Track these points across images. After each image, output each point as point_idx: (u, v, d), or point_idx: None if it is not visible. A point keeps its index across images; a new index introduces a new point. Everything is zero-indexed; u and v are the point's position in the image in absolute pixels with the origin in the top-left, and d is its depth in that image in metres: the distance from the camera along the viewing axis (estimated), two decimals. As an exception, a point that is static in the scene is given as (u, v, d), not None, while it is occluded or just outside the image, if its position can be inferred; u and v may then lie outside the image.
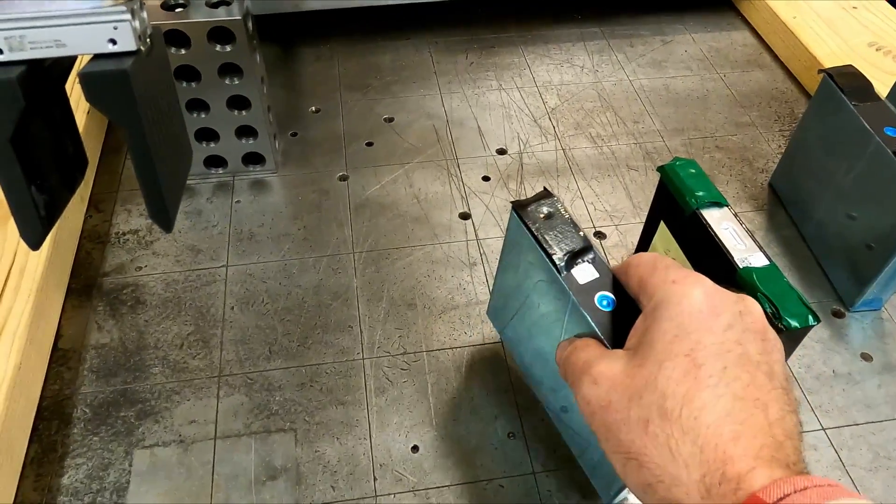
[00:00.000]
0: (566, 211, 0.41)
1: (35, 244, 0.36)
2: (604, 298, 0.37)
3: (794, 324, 0.44)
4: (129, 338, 0.54)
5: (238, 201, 0.64)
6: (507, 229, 0.44)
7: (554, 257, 0.39)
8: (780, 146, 0.71)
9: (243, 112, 0.61)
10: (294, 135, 0.71)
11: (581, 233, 0.40)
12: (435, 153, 0.69)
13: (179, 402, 0.50)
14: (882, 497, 0.47)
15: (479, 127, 0.71)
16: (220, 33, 0.56)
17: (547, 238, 0.40)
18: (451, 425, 0.49)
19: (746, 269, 0.46)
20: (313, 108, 0.74)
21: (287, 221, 0.63)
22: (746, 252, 0.48)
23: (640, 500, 0.30)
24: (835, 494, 0.25)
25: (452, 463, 0.47)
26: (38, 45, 0.31)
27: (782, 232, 0.63)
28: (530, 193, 0.65)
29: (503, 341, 0.54)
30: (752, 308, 0.33)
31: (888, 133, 0.53)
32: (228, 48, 0.56)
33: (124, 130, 0.33)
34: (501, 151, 0.69)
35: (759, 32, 0.85)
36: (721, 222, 0.50)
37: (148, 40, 0.34)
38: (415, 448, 0.48)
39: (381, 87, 0.76)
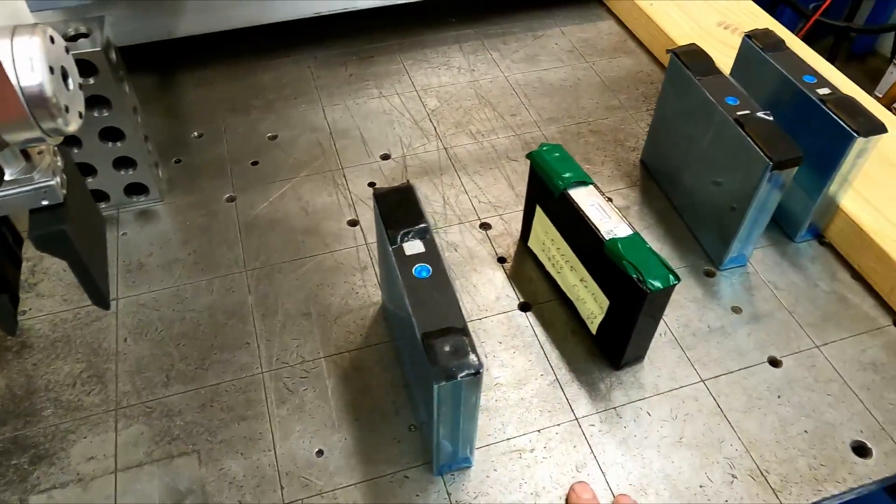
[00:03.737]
0: (417, 197, 0.48)
1: (12, 333, 0.43)
2: (423, 269, 0.43)
3: (658, 284, 0.47)
4: (17, 384, 0.52)
5: (124, 233, 0.64)
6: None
7: (388, 231, 0.45)
8: (647, 125, 0.75)
9: (118, 143, 0.61)
10: (178, 161, 0.71)
11: (423, 216, 0.47)
12: (321, 165, 0.70)
13: (75, 441, 0.49)
14: (756, 433, 0.50)
15: (362, 135, 0.73)
16: (81, 66, 0.55)
17: (390, 219, 0.46)
18: (354, 425, 0.50)
19: (612, 240, 0.50)
20: (196, 134, 0.74)
21: (177, 248, 0.63)
22: (612, 224, 0.51)
23: None
24: None
25: (357, 461, 0.49)
26: None
27: (655, 204, 0.67)
28: (416, 193, 0.67)
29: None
30: None
31: (729, 102, 0.57)
32: (92, 80, 0.56)
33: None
34: (385, 157, 0.71)
35: (623, 21, 0.90)
36: (587, 199, 0.53)
37: (64, 175, 0.39)
38: (319, 452, 0.49)
39: (264, 106, 0.77)
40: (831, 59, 2.10)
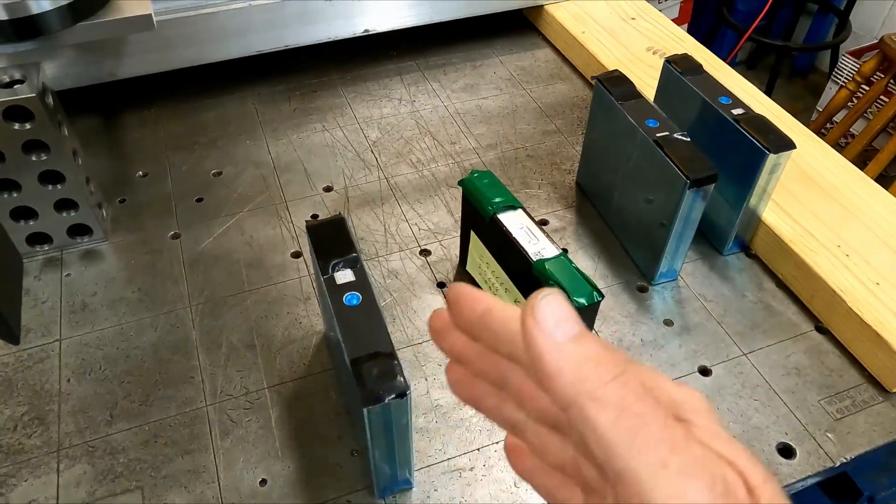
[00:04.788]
0: (347, 229, 0.49)
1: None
2: (353, 297, 0.45)
3: (582, 301, 0.49)
4: (-43, 429, 0.52)
5: (68, 274, 0.64)
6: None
7: (320, 262, 0.47)
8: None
9: (58, 186, 0.62)
10: (122, 201, 0.71)
11: (354, 246, 0.48)
12: (264, 200, 0.71)
13: (16, 486, 0.49)
14: (687, 442, 0.52)
15: (305, 169, 0.75)
16: (17, 112, 0.56)
17: (322, 250, 0.48)
18: (297, 453, 0.51)
19: (539, 261, 0.52)
20: (141, 173, 0.75)
21: (121, 286, 0.63)
22: (539, 246, 0.53)
23: None
24: None
25: (300, 489, 0.49)
26: None
27: (590, 224, 0.70)
28: (357, 224, 0.68)
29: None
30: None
31: (649, 125, 0.60)
32: (28, 126, 0.57)
33: None
34: (328, 189, 0.72)
35: (558, 48, 0.93)
36: (516, 223, 0.55)
37: None
38: (263, 482, 0.50)
39: (208, 143, 0.78)
40: (774, 76, 2.18)
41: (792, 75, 2.55)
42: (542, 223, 0.69)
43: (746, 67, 2.56)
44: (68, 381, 0.56)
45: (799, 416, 0.54)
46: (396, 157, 0.76)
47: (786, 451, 0.52)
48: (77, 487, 0.49)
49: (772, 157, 0.58)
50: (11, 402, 0.54)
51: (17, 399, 0.55)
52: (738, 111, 0.62)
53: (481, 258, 0.60)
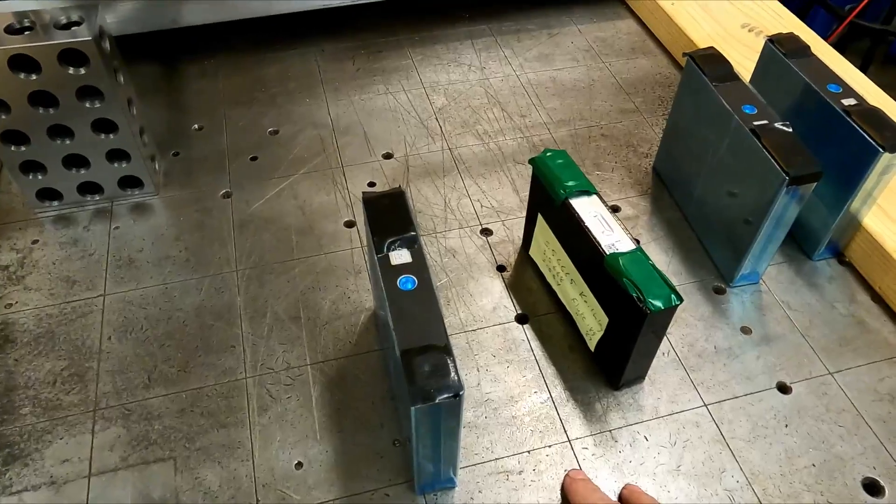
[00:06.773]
0: (407, 204, 0.45)
1: None
2: (408, 280, 0.41)
3: (659, 304, 0.44)
4: (-3, 379, 0.51)
5: (117, 227, 0.62)
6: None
7: (375, 239, 0.43)
8: (662, 130, 0.72)
9: (111, 136, 0.59)
10: (176, 154, 0.69)
11: (412, 224, 0.44)
12: (321, 163, 0.68)
13: (51, 442, 0.48)
14: (760, 465, 0.47)
15: (365, 133, 0.71)
16: (73, 55, 0.54)
17: (378, 226, 0.44)
18: (336, 437, 0.48)
19: (613, 254, 0.47)
20: (196, 126, 0.72)
21: (168, 244, 0.61)
22: (614, 237, 0.49)
23: None
24: None
25: (337, 476, 0.47)
26: None
27: (666, 214, 0.64)
28: (416, 196, 0.64)
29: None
30: None
31: (746, 111, 0.54)
32: (83, 70, 0.54)
33: None
34: (388, 156, 0.69)
35: (643, 20, 0.87)
36: (589, 210, 0.50)
37: None
38: (299, 464, 0.47)
39: (267, 99, 0.75)
40: (866, 63, 2.03)
41: (886, 62, 2.38)
42: (613, 209, 0.64)
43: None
44: (109, 338, 0.54)
45: (890, 449, 0.48)
46: (462, 127, 0.72)
47: (872, 488, 0.47)
48: (111, 451, 0.48)
49: (886, 157, 0.52)
50: (52, 355, 0.53)
51: (58, 353, 0.53)
52: (848, 101, 0.55)
53: (547, 244, 0.56)
